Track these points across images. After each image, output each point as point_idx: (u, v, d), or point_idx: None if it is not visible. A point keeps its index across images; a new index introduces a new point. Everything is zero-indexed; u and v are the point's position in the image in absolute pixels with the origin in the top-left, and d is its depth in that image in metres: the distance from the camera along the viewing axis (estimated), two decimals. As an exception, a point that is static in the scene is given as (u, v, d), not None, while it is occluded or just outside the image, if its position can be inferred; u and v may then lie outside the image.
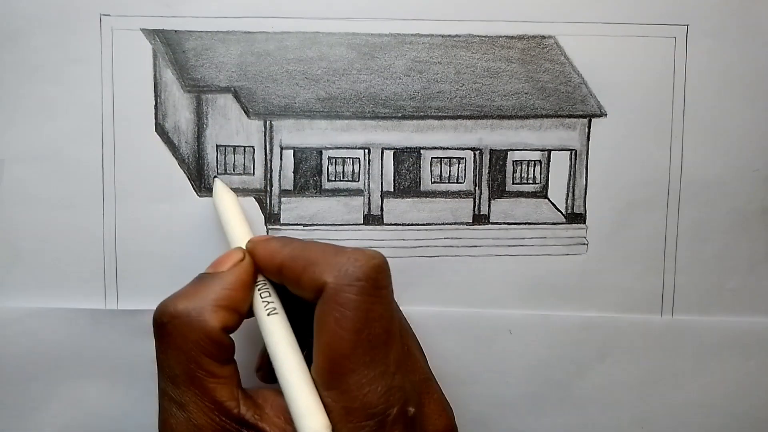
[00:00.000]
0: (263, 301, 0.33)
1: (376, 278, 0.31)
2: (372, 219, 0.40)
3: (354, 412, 0.30)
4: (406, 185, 0.40)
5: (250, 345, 0.37)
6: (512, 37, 0.39)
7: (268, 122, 0.39)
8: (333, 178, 0.40)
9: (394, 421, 0.30)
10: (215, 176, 0.39)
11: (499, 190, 0.40)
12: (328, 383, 0.30)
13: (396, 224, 0.40)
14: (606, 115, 0.39)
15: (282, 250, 0.33)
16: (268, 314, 0.32)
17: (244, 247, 0.34)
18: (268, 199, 0.40)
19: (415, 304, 0.40)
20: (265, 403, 0.31)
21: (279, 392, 0.32)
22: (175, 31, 0.38)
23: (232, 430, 0.30)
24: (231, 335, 0.32)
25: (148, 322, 0.39)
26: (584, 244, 0.40)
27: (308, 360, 0.32)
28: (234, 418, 0.31)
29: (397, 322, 0.32)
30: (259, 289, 0.33)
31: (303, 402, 0.30)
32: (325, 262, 0.31)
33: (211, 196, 0.39)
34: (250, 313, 0.33)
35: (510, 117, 0.39)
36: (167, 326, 0.31)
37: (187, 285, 0.33)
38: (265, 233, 0.39)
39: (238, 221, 0.36)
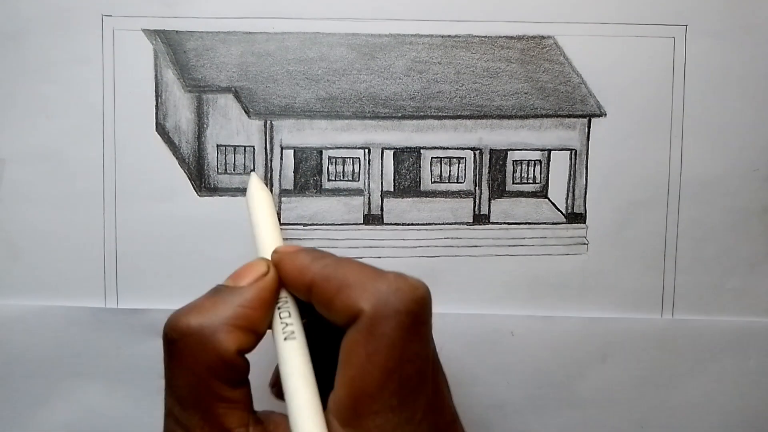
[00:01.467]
0: (282, 322, 0.30)
1: (418, 312, 0.28)
2: (372, 219, 0.40)
3: None
4: (406, 185, 0.40)
5: (266, 360, 0.37)
6: (512, 38, 0.39)
7: (268, 122, 0.39)
8: (333, 178, 0.40)
9: None
10: (251, 171, 0.38)
11: (499, 190, 0.40)
12: (347, 420, 0.27)
13: (396, 224, 0.40)
14: (605, 114, 0.39)
15: (312, 266, 0.29)
16: (285, 338, 0.29)
17: (270, 257, 0.31)
18: (268, 199, 0.40)
19: (415, 304, 0.40)
20: (276, 429, 0.29)
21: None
22: (176, 31, 0.39)
23: None
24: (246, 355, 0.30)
25: (147, 320, 0.39)
26: (584, 243, 0.40)
27: (326, 383, 0.30)
28: None
29: (431, 362, 0.29)
30: (279, 308, 0.30)
31: None
32: (362, 286, 0.28)
33: (212, 195, 0.39)
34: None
35: (510, 117, 0.40)
36: (177, 344, 0.28)
37: (202, 297, 0.30)
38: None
39: (269, 225, 0.33)
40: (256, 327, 0.29)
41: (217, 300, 0.29)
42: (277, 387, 0.33)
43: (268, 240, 0.32)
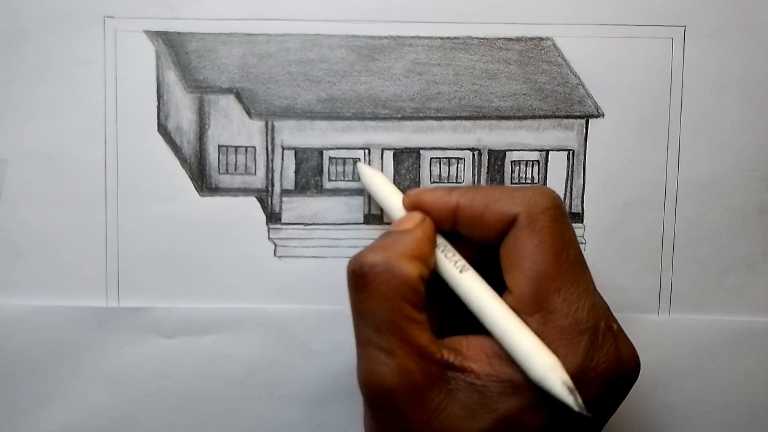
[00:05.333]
0: (450, 261, 0.33)
1: (560, 207, 0.32)
2: (373, 218, 0.40)
3: (566, 329, 0.30)
4: (406, 185, 0.40)
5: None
6: (510, 39, 0.39)
7: (269, 123, 0.40)
8: (334, 178, 0.40)
9: (605, 334, 0.31)
10: (357, 160, 0.39)
11: (497, 190, 0.40)
12: (533, 307, 0.31)
13: (396, 224, 0.40)
14: (603, 115, 0.40)
15: (452, 194, 0.34)
16: (460, 271, 0.33)
17: (403, 205, 0.35)
18: (269, 199, 0.40)
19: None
20: (460, 346, 0.31)
21: (466, 336, 0.32)
22: (178, 32, 0.39)
23: (437, 373, 0.31)
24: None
25: (149, 319, 0.40)
26: (582, 243, 0.40)
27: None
28: (438, 361, 0.31)
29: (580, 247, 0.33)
30: (441, 250, 0.34)
31: (528, 343, 0.30)
32: (509, 196, 0.32)
33: (213, 195, 0.39)
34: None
35: (508, 118, 0.40)
36: (368, 275, 0.31)
37: (377, 240, 0.33)
38: (266, 233, 0.40)
39: (396, 195, 0.36)
40: (428, 260, 0.33)
41: (391, 240, 0.33)
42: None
43: (399, 202, 0.36)
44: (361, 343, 0.32)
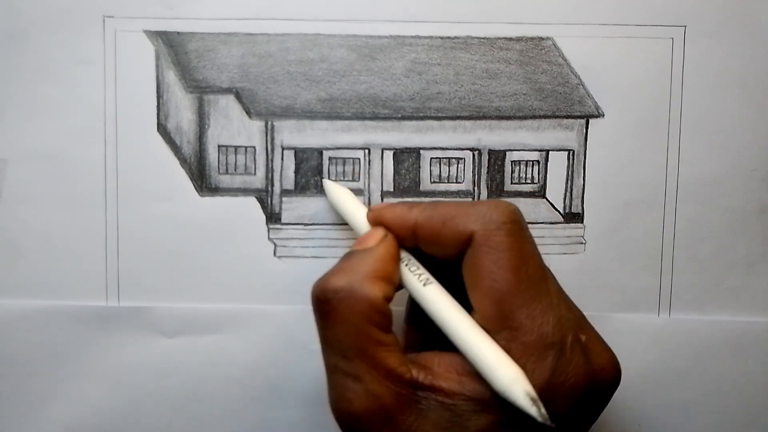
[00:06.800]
0: (414, 274, 0.33)
1: (518, 221, 0.32)
2: (372, 218, 0.40)
3: (533, 345, 0.30)
4: (406, 185, 0.40)
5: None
6: (511, 39, 0.39)
7: (269, 123, 0.40)
8: (334, 178, 0.40)
9: (572, 348, 0.30)
10: (323, 178, 0.39)
11: (497, 190, 0.40)
12: (498, 325, 0.31)
13: (396, 224, 0.40)
14: (603, 115, 0.40)
15: (411, 211, 0.33)
16: (424, 285, 0.33)
17: (367, 220, 0.35)
18: (269, 199, 0.40)
19: (414, 303, 0.40)
20: (431, 364, 0.31)
21: (440, 352, 0.32)
22: (178, 32, 0.39)
23: (407, 394, 0.30)
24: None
25: (148, 319, 0.40)
26: (582, 243, 0.40)
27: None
28: (408, 382, 0.30)
29: (542, 259, 0.32)
30: (405, 264, 0.33)
31: (492, 356, 0.30)
32: (464, 214, 0.32)
33: (213, 195, 0.39)
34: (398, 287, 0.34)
35: (508, 118, 0.40)
36: (331, 301, 0.31)
37: (339, 263, 0.33)
38: (266, 233, 0.40)
39: (361, 210, 0.36)
40: (392, 278, 0.33)
41: (353, 261, 0.32)
42: (411, 319, 0.37)
43: (364, 217, 0.36)
44: (330, 369, 0.32)
